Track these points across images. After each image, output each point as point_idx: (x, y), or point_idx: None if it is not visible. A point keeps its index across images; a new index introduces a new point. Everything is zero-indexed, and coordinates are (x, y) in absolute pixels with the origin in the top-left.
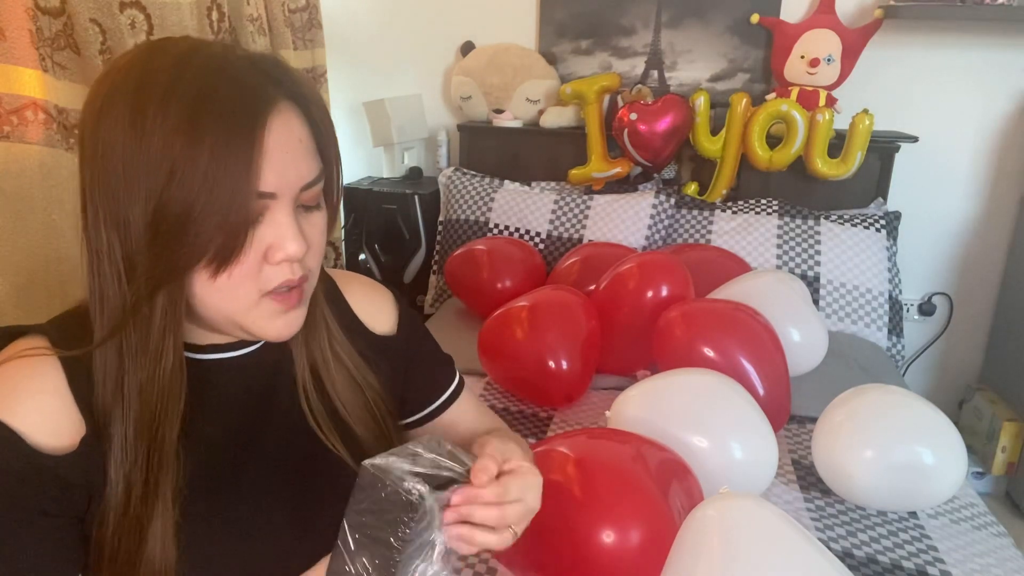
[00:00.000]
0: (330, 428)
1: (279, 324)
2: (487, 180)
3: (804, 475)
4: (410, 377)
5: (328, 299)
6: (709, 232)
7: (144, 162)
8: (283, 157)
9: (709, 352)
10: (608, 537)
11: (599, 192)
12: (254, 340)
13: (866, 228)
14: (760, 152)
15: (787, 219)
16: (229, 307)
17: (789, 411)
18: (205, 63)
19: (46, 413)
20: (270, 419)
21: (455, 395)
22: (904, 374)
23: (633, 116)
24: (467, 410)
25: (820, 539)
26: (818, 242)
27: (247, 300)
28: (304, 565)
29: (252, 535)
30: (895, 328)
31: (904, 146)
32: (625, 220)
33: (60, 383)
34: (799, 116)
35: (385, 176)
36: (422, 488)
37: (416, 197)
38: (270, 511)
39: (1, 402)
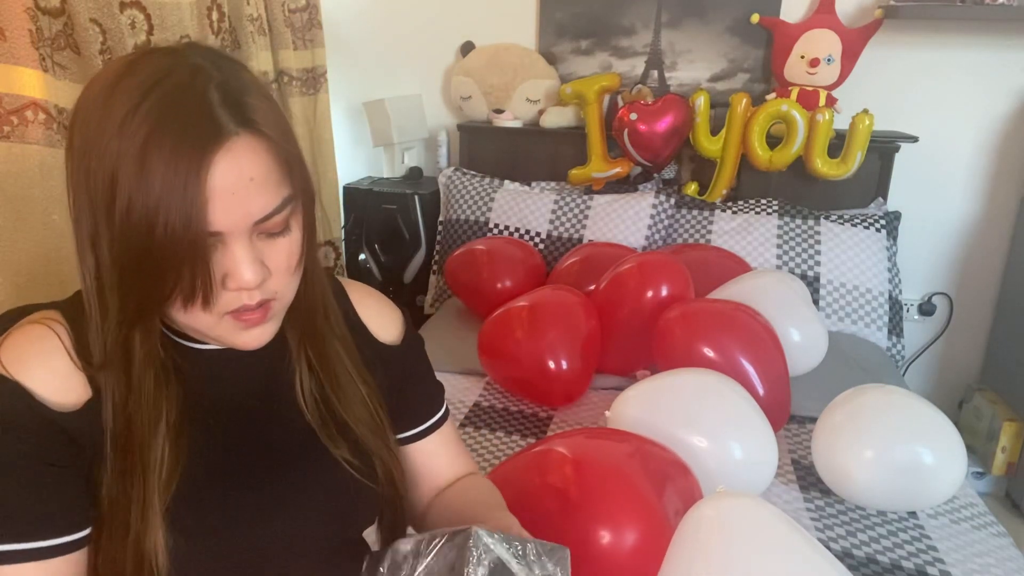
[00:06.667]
0: (326, 421)
1: (245, 337)
2: (487, 180)
3: (804, 475)
4: (402, 394)
5: (335, 299)
6: (709, 232)
7: (103, 177)
8: (229, 198)
9: (709, 352)
10: (602, 538)
11: (599, 192)
12: None
13: (866, 228)
14: (760, 152)
15: (787, 219)
16: (194, 325)
17: (789, 411)
18: (169, 91)
19: (55, 372)
20: (268, 410)
21: (439, 424)
22: (904, 374)
23: (633, 116)
24: (446, 443)
25: (820, 539)
26: (818, 242)
27: (209, 321)
28: (287, 551)
29: (241, 520)
30: (895, 328)
31: (904, 146)
32: (625, 220)
33: (68, 348)
34: (799, 116)
35: (385, 176)
36: None
37: (416, 197)
38: (259, 498)
39: (13, 361)
